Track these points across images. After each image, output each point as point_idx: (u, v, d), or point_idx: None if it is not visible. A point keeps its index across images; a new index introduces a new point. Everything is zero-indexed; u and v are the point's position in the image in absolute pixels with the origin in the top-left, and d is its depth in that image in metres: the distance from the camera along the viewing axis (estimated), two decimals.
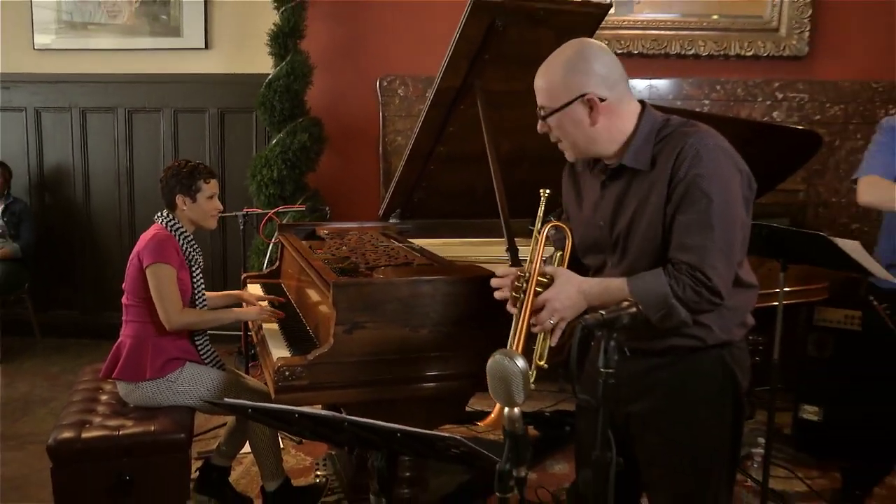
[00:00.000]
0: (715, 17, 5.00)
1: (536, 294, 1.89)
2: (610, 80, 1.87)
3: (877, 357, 3.24)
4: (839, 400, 3.81)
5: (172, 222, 3.01)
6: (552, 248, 2.10)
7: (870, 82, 4.91)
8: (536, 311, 1.88)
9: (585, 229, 2.03)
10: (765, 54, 4.97)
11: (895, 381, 3.28)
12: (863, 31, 4.90)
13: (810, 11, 4.88)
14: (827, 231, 3.14)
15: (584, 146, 1.92)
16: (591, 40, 1.98)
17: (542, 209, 1.98)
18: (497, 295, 1.98)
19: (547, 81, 1.90)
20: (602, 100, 1.85)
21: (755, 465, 3.69)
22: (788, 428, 4.09)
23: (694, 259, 1.77)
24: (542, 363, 1.89)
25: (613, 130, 1.89)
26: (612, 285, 1.86)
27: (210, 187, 3.03)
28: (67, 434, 2.71)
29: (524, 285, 1.91)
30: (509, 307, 1.96)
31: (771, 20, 4.95)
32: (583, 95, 1.85)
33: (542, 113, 1.92)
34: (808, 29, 4.91)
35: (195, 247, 3.05)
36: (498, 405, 1.74)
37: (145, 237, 2.97)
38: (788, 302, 3.14)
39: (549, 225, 1.96)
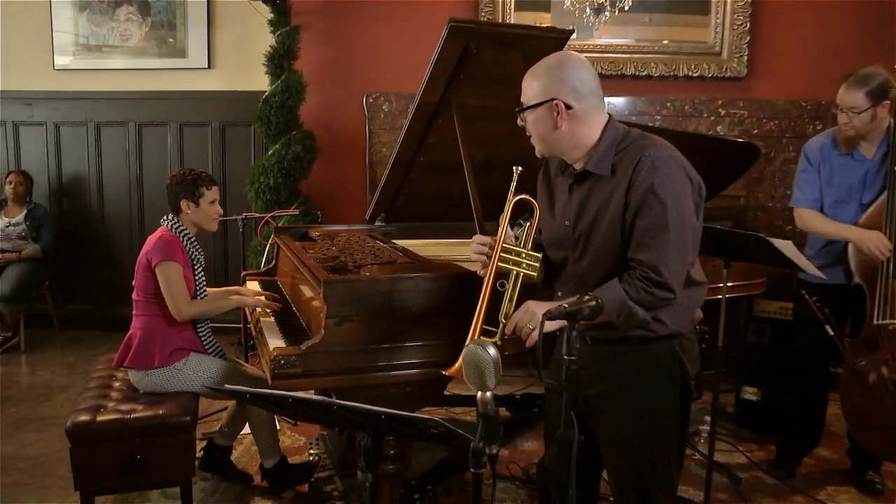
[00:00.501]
0: (665, 42, 5.02)
1: (503, 262, 1.90)
2: (581, 92, 1.87)
3: (806, 343, 3.27)
4: (775, 382, 3.84)
5: (177, 225, 2.99)
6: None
7: (800, 101, 4.95)
8: (520, 322, 1.86)
9: (553, 227, 2.02)
10: (709, 75, 5.00)
11: (822, 365, 3.33)
12: (794, 57, 4.94)
13: (748, 38, 4.93)
14: (764, 232, 3.16)
15: (548, 145, 1.94)
16: (576, 54, 1.98)
17: (514, 184, 1.95)
18: (473, 257, 2.00)
19: (529, 80, 1.93)
20: (569, 108, 1.86)
21: (702, 441, 3.70)
22: (731, 407, 4.12)
23: (650, 257, 1.78)
24: (497, 340, 1.87)
25: (578, 137, 1.89)
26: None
27: (212, 193, 3.01)
28: (84, 417, 2.69)
29: (490, 252, 1.92)
30: (479, 270, 1.97)
31: (714, 45, 4.98)
32: (552, 100, 1.86)
33: (521, 107, 1.93)
34: (746, 53, 4.95)
35: (197, 247, 3.03)
36: (460, 358, 1.76)
37: (152, 239, 2.95)
38: (731, 295, 3.15)
39: (518, 197, 1.95)
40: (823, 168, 3.15)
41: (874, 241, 2.88)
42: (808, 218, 3.16)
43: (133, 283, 2.98)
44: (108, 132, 5.63)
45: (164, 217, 3.02)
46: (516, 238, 1.97)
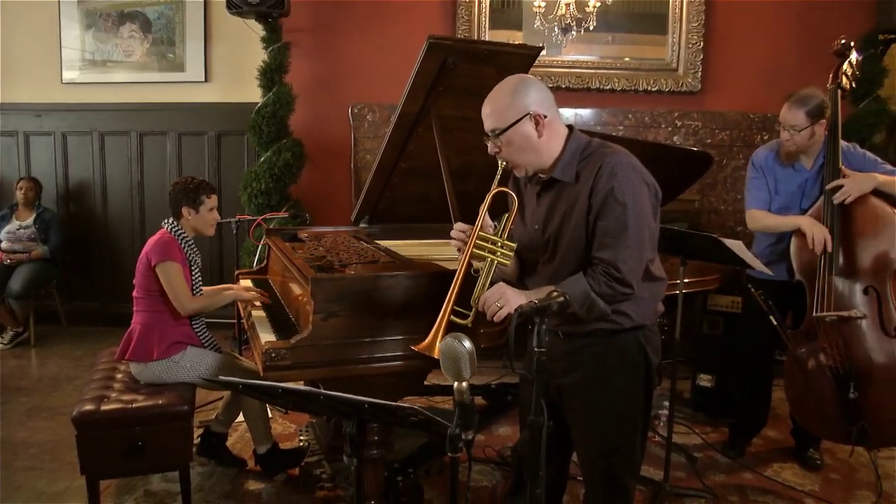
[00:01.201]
0: (627, 59, 5.03)
1: (478, 248, 1.89)
2: (545, 103, 1.88)
3: (754, 334, 3.30)
4: (726, 369, 3.86)
5: (176, 228, 2.95)
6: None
7: (749, 113, 4.98)
8: (488, 303, 1.84)
9: (524, 232, 2.01)
10: (666, 90, 5.01)
11: (768, 353, 3.36)
12: (743, 74, 4.97)
13: (702, 56, 4.95)
14: (717, 233, 3.19)
15: (531, 159, 1.89)
16: (526, 75, 1.97)
17: (498, 175, 1.92)
18: (452, 243, 1.98)
19: (494, 107, 1.88)
20: (544, 116, 1.86)
21: (661, 424, 3.71)
22: (688, 393, 4.14)
23: (610, 255, 1.78)
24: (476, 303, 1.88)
25: (552, 144, 1.89)
26: (542, 293, 1.80)
27: (211, 201, 2.99)
28: (89, 407, 2.66)
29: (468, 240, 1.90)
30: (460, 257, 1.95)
31: (671, 62, 5.00)
32: (528, 114, 1.84)
33: (493, 133, 1.87)
34: (700, 70, 4.97)
35: (195, 249, 3.00)
36: (431, 333, 1.82)
37: (152, 240, 2.92)
38: (687, 291, 3.17)
39: (497, 190, 1.92)
40: (769, 177, 3.19)
41: (819, 232, 2.91)
42: (760, 216, 3.20)
43: (134, 281, 2.94)
44: (112, 141, 5.56)
45: (165, 220, 2.99)
46: (494, 228, 1.95)
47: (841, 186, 2.91)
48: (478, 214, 1.94)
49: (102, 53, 5.46)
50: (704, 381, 3.97)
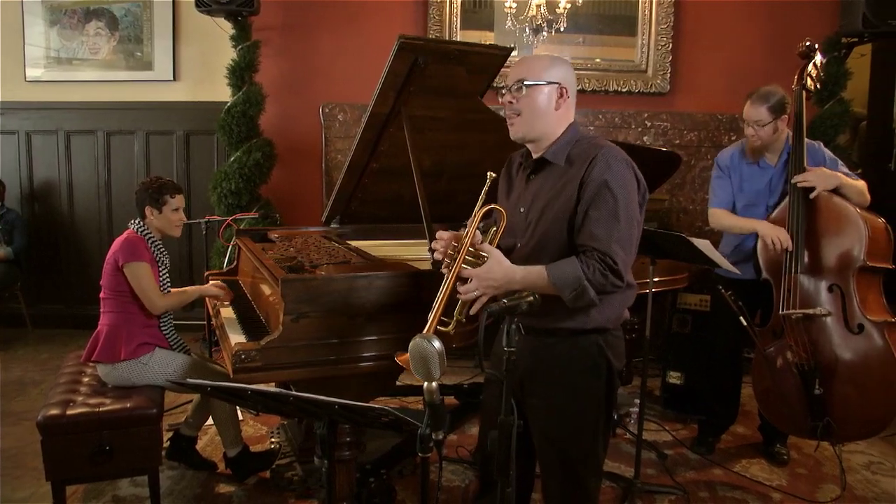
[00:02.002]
0: (597, 60, 5.07)
1: (468, 263, 1.85)
2: (572, 87, 1.94)
3: (722, 332, 3.34)
4: (696, 367, 3.90)
5: (143, 229, 2.92)
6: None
7: (717, 114, 5.05)
8: (464, 281, 1.83)
9: (508, 215, 2.01)
10: (636, 91, 5.06)
11: (736, 351, 3.41)
12: (711, 76, 5.04)
13: (671, 57, 5.01)
14: (686, 232, 3.22)
15: (536, 122, 1.90)
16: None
17: (486, 188, 1.92)
18: (436, 255, 1.94)
19: (532, 63, 1.93)
20: (568, 96, 1.91)
21: (632, 421, 3.74)
22: (658, 390, 4.18)
23: (602, 246, 1.78)
24: (461, 317, 1.84)
25: (561, 122, 1.93)
26: (533, 271, 1.81)
27: (176, 201, 2.95)
28: (54, 411, 2.61)
29: (456, 254, 1.86)
30: (443, 268, 1.90)
31: (641, 64, 5.05)
32: (559, 83, 1.89)
33: (520, 83, 1.88)
34: (669, 71, 5.02)
35: (162, 250, 2.97)
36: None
37: (119, 241, 2.88)
38: (657, 289, 3.21)
39: (488, 207, 1.90)
40: (734, 175, 3.25)
41: (775, 233, 2.97)
42: (720, 216, 3.26)
43: (101, 282, 2.89)
44: (78, 140, 5.46)
45: (132, 221, 2.96)
46: (482, 238, 1.92)
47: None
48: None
49: (68, 51, 5.36)
50: (674, 378, 4.01)
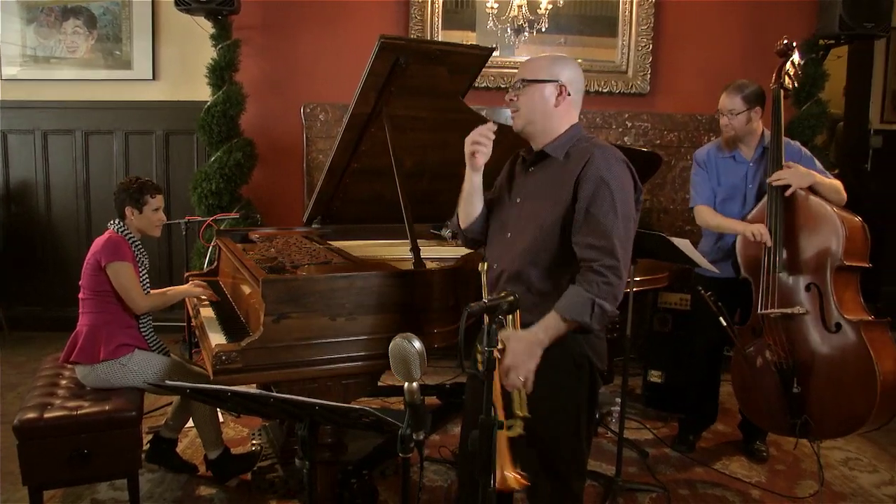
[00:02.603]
0: (578, 60, 4.98)
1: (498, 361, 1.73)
2: (575, 86, 1.98)
3: (702, 331, 3.36)
4: (676, 366, 3.93)
5: (122, 229, 2.90)
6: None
7: (696, 115, 5.08)
8: (504, 375, 1.78)
9: (504, 206, 2.07)
10: (617, 91, 5.09)
11: (716, 349, 3.44)
12: (690, 76, 5.07)
13: (651, 58, 5.04)
14: (666, 232, 3.24)
15: (536, 119, 1.96)
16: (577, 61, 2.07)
17: (484, 287, 1.99)
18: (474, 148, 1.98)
19: (534, 62, 1.99)
20: (569, 94, 1.95)
21: (613, 420, 3.76)
22: (639, 389, 4.21)
23: (603, 242, 1.81)
24: (524, 413, 1.78)
25: (563, 120, 1.97)
26: (548, 319, 1.81)
27: (156, 201, 2.93)
28: (31, 415, 2.57)
29: (486, 363, 1.64)
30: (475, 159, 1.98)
31: (621, 64, 5.08)
32: (557, 81, 1.93)
33: (520, 84, 1.96)
34: (649, 72, 5.05)
35: (142, 250, 2.95)
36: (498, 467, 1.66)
37: (100, 241, 2.85)
38: (638, 289, 3.22)
39: (510, 298, 1.71)
40: (711, 171, 3.30)
41: (756, 229, 3.00)
42: (705, 214, 3.28)
43: (80, 283, 2.87)
44: (56, 140, 5.39)
45: (112, 221, 2.93)
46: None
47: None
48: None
49: (45, 49, 5.28)
50: (655, 377, 4.04)
